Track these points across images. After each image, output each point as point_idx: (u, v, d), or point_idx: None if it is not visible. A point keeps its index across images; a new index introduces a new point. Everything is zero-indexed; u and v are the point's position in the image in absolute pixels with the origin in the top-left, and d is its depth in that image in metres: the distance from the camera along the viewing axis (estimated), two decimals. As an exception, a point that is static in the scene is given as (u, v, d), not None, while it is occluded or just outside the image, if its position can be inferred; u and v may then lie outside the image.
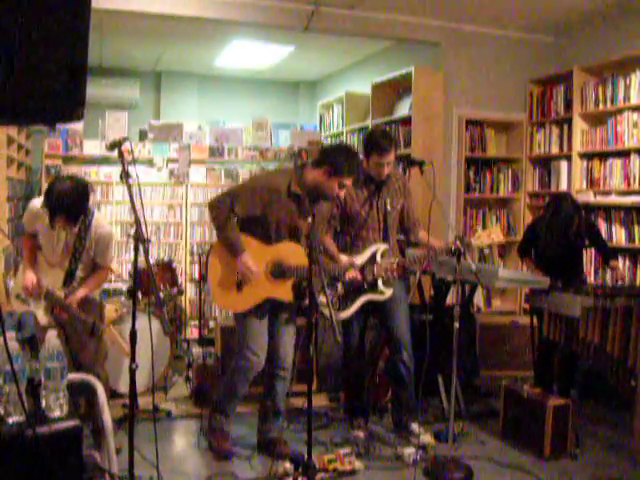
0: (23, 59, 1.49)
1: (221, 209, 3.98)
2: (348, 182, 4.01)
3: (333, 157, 3.99)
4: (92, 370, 3.95)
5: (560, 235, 4.96)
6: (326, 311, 3.91)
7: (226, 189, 4.27)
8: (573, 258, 5.21)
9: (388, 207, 4.53)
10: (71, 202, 3.80)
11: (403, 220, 4.68)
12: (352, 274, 4.22)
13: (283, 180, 4.06)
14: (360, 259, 4.34)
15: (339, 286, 4.39)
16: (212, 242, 4.31)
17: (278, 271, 4.08)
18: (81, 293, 4.08)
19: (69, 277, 4.09)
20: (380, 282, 4.42)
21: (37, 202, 4.08)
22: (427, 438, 4.46)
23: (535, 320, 5.17)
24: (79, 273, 4.13)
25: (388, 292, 4.46)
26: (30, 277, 4.02)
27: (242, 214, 4.03)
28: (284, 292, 4.13)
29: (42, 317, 4.05)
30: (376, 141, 4.38)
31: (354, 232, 4.51)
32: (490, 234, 4.25)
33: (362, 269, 4.32)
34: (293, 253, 4.09)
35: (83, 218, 3.99)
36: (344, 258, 4.29)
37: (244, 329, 4.16)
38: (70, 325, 4.06)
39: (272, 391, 4.31)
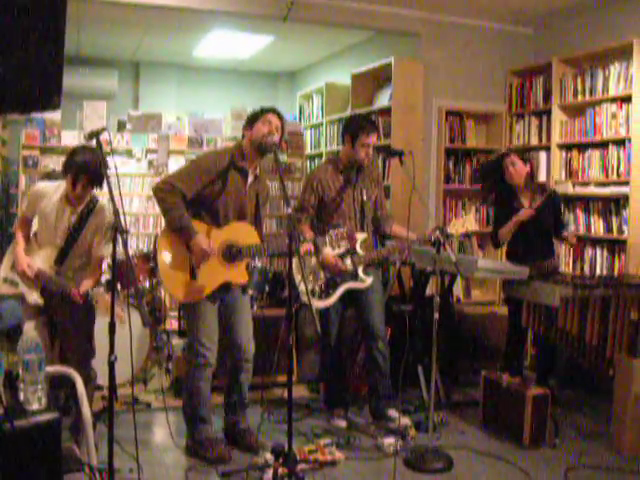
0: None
1: (169, 191, 3.84)
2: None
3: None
4: (79, 367, 3.94)
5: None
6: (305, 299, 3.87)
7: (171, 172, 4.16)
8: (544, 237, 5.19)
9: (364, 197, 4.57)
10: (96, 164, 3.79)
11: (376, 211, 4.71)
12: (305, 247, 4.07)
13: (227, 157, 4.00)
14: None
15: (320, 274, 4.40)
16: (158, 232, 4.15)
17: (231, 253, 3.94)
18: (86, 285, 3.98)
19: (61, 256, 3.99)
20: (360, 270, 4.45)
21: (43, 183, 4.24)
22: (405, 421, 4.47)
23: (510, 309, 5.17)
24: (74, 257, 4.02)
25: (368, 280, 4.50)
26: (25, 260, 3.96)
27: (189, 196, 3.88)
28: (239, 275, 4.01)
29: (36, 299, 3.96)
30: (362, 122, 4.51)
31: (330, 221, 4.53)
32: (464, 223, 4.30)
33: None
34: (244, 233, 4.00)
35: (88, 202, 3.98)
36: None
37: (195, 322, 3.98)
38: (62, 318, 4.01)
39: (237, 384, 4.18)
